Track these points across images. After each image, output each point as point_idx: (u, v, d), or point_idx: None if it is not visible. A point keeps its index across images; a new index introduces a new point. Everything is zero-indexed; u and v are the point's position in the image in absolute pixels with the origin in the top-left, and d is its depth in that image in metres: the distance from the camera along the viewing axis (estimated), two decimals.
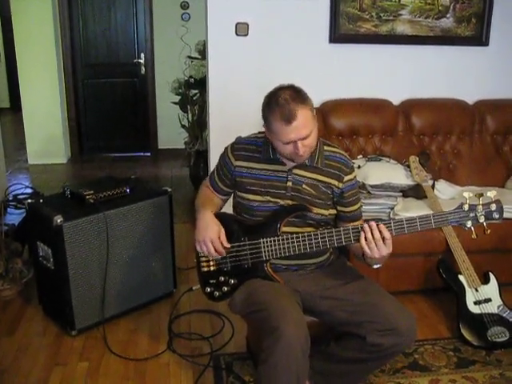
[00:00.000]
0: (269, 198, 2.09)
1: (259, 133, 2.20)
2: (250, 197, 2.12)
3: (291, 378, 1.82)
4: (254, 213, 2.11)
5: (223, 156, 2.21)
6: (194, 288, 2.29)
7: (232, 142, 2.22)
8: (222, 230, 2.05)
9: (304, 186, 2.08)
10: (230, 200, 2.31)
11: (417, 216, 1.91)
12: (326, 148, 2.14)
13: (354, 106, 3.45)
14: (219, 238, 2.02)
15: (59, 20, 5.84)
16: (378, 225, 1.90)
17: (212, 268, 2.14)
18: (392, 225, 1.91)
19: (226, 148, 2.21)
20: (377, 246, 1.89)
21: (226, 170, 2.19)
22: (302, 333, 1.82)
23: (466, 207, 1.90)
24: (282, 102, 1.90)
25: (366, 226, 1.91)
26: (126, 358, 2.56)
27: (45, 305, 2.92)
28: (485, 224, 1.90)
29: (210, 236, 2.02)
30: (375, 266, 2.01)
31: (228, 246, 2.04)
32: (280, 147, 1.99)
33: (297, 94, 1.93)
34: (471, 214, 1.90)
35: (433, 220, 1.90)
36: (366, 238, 1.90)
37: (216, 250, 2.03)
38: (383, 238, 1.89)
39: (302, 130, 1.91)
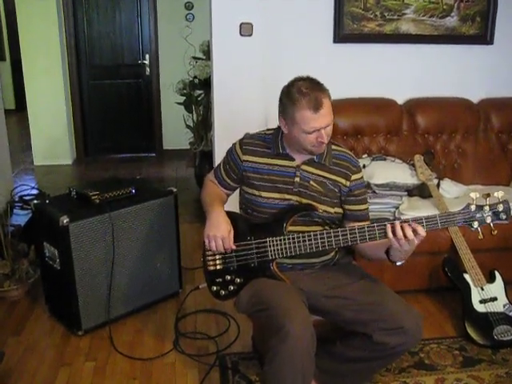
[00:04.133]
0: (275, 193, 2.10)
1: (267, 129, 2.21)
2: (257, 192, 2.13)
3: (297, 377, 1.83)
4: (260, 209, 2.12)
5: (231, 151, 2.22)
6: (200, 286, 2.30)
7: (240, 138, 2.23)
8: (232, 230, 2.06)
9: (311, 182, 2.09)
10: (236, 197, 2.31)
11: (423, 216, 1.90)
12: (333, 147, 2.15)
13: (359, 106, 3.45)
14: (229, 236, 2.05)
15: (64, 22, 5.87)
16: (410, 224, 1.84)
17: (218, 267, 2.14)
18: None
19: (234, 144, 2.22)
20: (408, 240, 1.83)
21: (234, 164, 2.20)
22: (308, 332, 1.82)
23: (472, 208, 1.88)
24: (305, 90, 1.92)
25: (397, 223, 1.85)
26: (132, 357, 2.57)
27: (51, 305, 2.93)
28: (492, 225, 1.89)
29: (222, 234, 2.03)
30: (398, 263, 1.97)
31: (234, 247, 2.06)
32: (302, 138, 1.98)
33: (316, 83, 1.97)
34: (478, 215, 1.88)
35: (439, 220, 1.89)
36: (394, 234, 1.84)
37: (224, 248, 2.05)
38: (417, 235, 1.83)
39: (327, 118, 1.93)
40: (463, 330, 2.67)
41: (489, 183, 3.42)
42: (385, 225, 1.89)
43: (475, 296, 2.66)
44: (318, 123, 1.92)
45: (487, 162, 3.51)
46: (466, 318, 2.67)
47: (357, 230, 1.94)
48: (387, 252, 1.97)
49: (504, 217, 1.89)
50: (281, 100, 2.02)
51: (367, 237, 1.93)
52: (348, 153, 2.18)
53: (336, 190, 2.12)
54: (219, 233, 2.03)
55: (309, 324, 1.85)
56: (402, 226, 1.84)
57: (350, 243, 1.97)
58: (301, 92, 1.92)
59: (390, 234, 1.86)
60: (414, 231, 1.83)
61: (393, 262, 1.98)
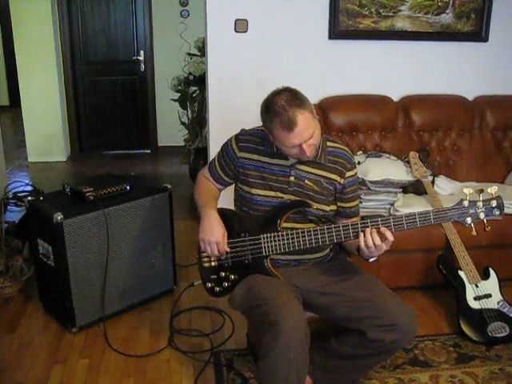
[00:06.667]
0: (271, 191, 2.09)
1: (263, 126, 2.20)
2: (252, 190, 2.12)
3: (291, 372, 1.83)
4: (255, 206, 2.12)
5: (226, 146, 2.20)
6: (195, 283, 2.31)
7: (236, 133, 2.21)
8: (226, 233, 2.06)
9: (306, 181, 2.09)
10: (231, 194, 2.31)
11: (416, 212, 1.91)
12: (328, 144, 2.14)
13: (354, 103, 3.45)
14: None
15: (58, 17, 5.84)
16: (378, 229, 1.89)
17: (213, 263, 2.14)
18: (391, 221, 1.90)
19: (230, 139, 2.20)
20: (376, 247, 1.89)
21: (229, 160, 2.18)
22: (302, 328, 1.82)
23: (465, 203, 1.88)
24: (279, 109, 1.88)
25: (367, 230, 1.90)
26: (126, 354, 2.56)
27: (45, 302, 2.92)
28: (485, 221, 1.89)
29: (216, 239, 2.03)
30: (370, 260, 2.00)
31: (228, 250, 2.06)
32: (285, 150, 1.99)
33: (293, 98, 1.90)
34: (471, 211, 1.88)
35: (432, 216, 1.89)
36: (365, 241, 1.89)
37: (219, 251, 2.05)
38: (385, 240, 1.88)
39: (304, 134, 1.90)
40: (458, 326, 2.68)
41: (483, 180, 3.42)
42: (378, 221, 1.90)
43: (470, 293, 2.67)
44: (295, 140, 1.91)
45: (482, 159, 3.52)
46: (461, 314, 2.68)
47: (350, 227, 1.94)
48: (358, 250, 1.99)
49: (497, 213, 1.88)
50: (261, 114, 2.00)
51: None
52: (344, 149, 2.16)
53: (331, 188, 2.11)
54: (213, 237, 2.03)
55: (302, 320, 1.85)
56: (371, 235, 1.88)
57: (343, 239, 1.97)
58: (274, 111, 1.89)
59: (361, 243, 1.90)
60: (383, 237, 1.87)
61: (365, 259, 2.01)
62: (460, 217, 1.89)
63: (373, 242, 1.88)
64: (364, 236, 1.90)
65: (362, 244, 1.90)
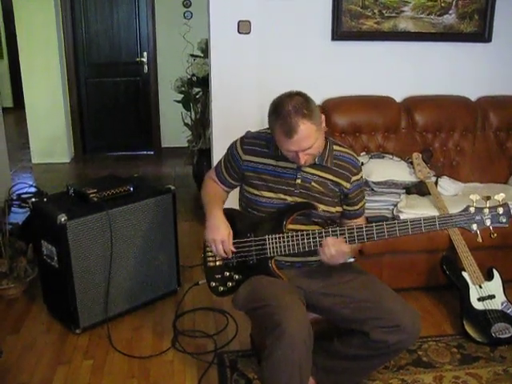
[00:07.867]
0: (276, 194, 2.09)
1: (268, 128, 2.20)
2: (258, 192, 2.12)
3: (294, 373, 1.83)
4: (260, 208, 2.12)
5: (231, 149, 2.21)
6: (200, 282, 2.31)
7: (241, 135, 2.21)
8: (231, 232, 2.07)
9: (313, 183, 2.09)
10: (236, 194, 2.31)
11: (422, 217, 1.90)
12: (335, 148, 2.14)
13: (357, 104, 3.45)
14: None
15: (62, 19, 5.85)
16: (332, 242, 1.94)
17: (218, 263, 2.15)
18: (397, 225, 1.91)
19: (235, 141, 2.21)
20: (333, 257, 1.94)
21: (234, 163, 2.19)
22: (305, 329, 1.82)
23: (472, 210, 1.88)
24: (284, 114, 1.88)
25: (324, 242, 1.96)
26: (130, 355, 2.57)
27: (49, 303, 2.92)
28: (491, 227, 1.89)
29: (222, 238, 2.04)
30: (349, 260, 2.04)
31: (234, 250, 2.07)
32: (283, 151, 2.00)
33: (301, 106, 1.88)
34: (477, 217, 1.88)
35: (438, 222, 1.89)
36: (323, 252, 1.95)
37: (225, 251, 2.06)
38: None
39: (302, 143, 1.90)
40: (461, 327, 2.67)
41: (487, 181, 3.42)
42: (383, 225, 1.91)
43: (473, 294, 2.67)
44: (292, 147, 1.92)
45: (485, 159, 3.51)
46: (464, 315, 2.67)
47: (355, 230, 1.95)
48: None
49: (504, 220, 1.88)
50: (268, 113, 2.00)
51: (365, 236, 1.95)
52: (350, 153, 2.16)
53: (336, 190, 2.12)
54: (219, 236, 2.04)
55: (305, 321, 1.85)
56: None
57: (348, 243, 1.97)
58: (280, 114, 1.90)
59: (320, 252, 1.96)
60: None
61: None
62: (466, 223, 1.89)
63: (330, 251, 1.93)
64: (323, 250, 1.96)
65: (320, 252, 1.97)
